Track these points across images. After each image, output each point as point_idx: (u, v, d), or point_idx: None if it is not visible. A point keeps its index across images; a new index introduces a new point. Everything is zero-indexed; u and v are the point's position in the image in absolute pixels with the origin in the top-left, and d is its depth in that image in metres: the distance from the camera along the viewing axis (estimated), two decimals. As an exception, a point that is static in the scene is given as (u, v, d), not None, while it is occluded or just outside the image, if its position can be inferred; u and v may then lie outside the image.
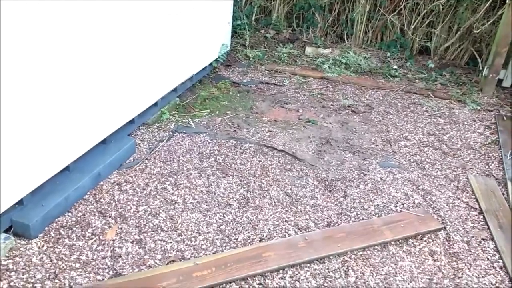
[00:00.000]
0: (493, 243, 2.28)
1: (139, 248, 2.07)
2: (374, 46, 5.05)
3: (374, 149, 3.20)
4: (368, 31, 5.07)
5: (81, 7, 2.13)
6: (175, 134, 3.12)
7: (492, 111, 3.90)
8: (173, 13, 3.17)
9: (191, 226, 2.24)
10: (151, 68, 3.01)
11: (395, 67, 4.66)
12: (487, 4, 4.18)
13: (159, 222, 2.25)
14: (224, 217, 2.34)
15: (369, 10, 4.93)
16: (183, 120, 3.34)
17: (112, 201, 2.37)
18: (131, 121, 2.91)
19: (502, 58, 4.05)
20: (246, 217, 2.36)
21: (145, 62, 2.91)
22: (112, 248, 2.06)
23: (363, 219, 2.42)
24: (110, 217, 2.25)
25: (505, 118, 3.73)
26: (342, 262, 2.09)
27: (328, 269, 2.04)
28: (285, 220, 2.36)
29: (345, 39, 5.19)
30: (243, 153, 2.98)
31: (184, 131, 3.17)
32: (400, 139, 3.36)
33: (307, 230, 2.30)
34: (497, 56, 4.03)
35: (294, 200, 2.54)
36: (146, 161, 2.76)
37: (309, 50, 4.99)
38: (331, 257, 2.11)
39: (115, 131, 2.68)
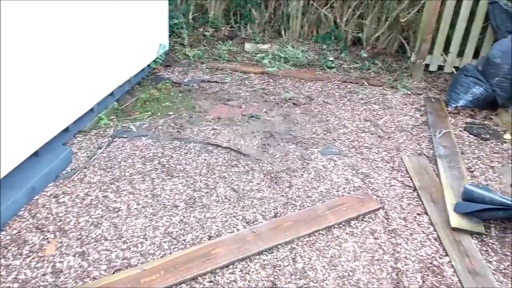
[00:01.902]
0: (427, 216, 2.45)
1: (82, 260, 1.99)
2: (310, 39, 5.19)
3: (316, 138, 3.31)
4: (304, 25, 5.20)
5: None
6: (114, 140, 3.03)
7: (421, 94, 4.17)
8: (106, 14, 3.06)
9: (137, 232, 2.19)
10: (84, 72, 2.90)
11: (331, 58, 4.83)
12: (410, -5, 4.45)
13: (102, 231, 2.18)
14: (171, 219, 2.32)
15: (304, 5, 5.06)
16: (123, 125, 3.25)
17: (49, 215, 2.26)
18: (66, 130, 2.79)
19: (427, 44, 4.34)
20: (193, 216, 2.35)
21: (78, 65, 2.80)
22: (52, 263, 1.97)
23: (308, 206, 2.50)
24: (48, 232, 2.15)
25: (433, 100, 4.01)
26: (290, 250, 2.15)
27: (276, 258, 2.09)
28: (233, 216, 2.38)
29: (283, 34, 5.29)
30: (188, 153, 2.96)
31: (125, 136, 3.09)
32: (339, 127, 3.50)
33: (255, 223, 2.33)
34: (423, 42, 4.31)
35: (241, 195, 2.57)
36: (85, 170, 2.66)
37: (248, 46, 5.04)
38: (279, 246, 2.16)
39: (48, 141, 2.55)
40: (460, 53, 4.45)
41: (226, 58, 4.75)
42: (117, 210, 2.34)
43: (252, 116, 3.57)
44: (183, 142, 3.08)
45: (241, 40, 5.22)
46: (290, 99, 3.98)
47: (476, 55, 4.39)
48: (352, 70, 4.67)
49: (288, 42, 5.12)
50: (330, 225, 2.31)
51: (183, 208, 2.41)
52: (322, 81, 4.41)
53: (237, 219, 2.36)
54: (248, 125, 3.43)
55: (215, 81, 4.22)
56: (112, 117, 3.33)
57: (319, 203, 2.52)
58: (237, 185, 2.66)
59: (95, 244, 2.09)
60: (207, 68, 4.51)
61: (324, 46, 5.04)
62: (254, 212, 2.42)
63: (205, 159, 2.91)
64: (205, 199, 2.50)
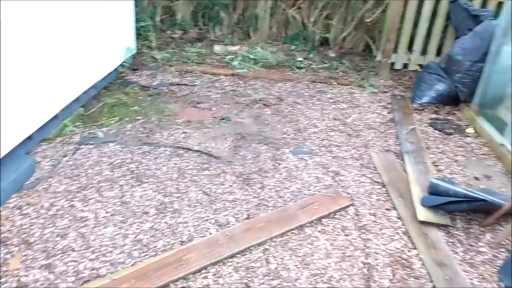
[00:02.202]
0: (396, 211, 2.51)
1: (49, 273, 1.92)
2: (279, 40, 5.22)
3: (287, 138, 3.33)
4: (273, 26, 5.23)
5: None
6: (81, 147, 2.95)
7: (387, 92, 4.28)
8: (68, 16, 2.97)
9: (105, 241, 2.14)
10: (47, 77, 2.80)
11: (300, 59, 4.88)
12: (375, -5, 4.55)
13: (68, 242, 2.11)
14: (141, 226, 2.27)
15: (272, 6, 5.09)
16: (90, 131, 3.16)
17: (13, 228, 2.17)
18: (29, 138, 2.69)
19: (392, 44, 4.45)
20: (165, 222, 2.32)
21: (40, 70, 2.70)
22: (17, 278, 1.89)
23: (280, 206, 2.51)
24: (12, 245, 2.06)
25: (399, 97, 4.11)
26: (263, 251, 2.15)
27: (249, 260, 2.09)
28: (205, 220, 2.36)
29: (252, 35, 5.30)
30: (158, 158, 2.91)
31: (91, 142, 3.01)
32: (309, 127, 3.54)
33: (228, 225, 2.32)
34: (388, 42, 4.42)
35: (213, 198, 2.55)
36: (50, 179, 2.57)
37: (217, 48, 5.02)
38: (252, 248, 2.15)
39: (10, 151, 2.45)
40: (424, 51, 4.59)
41: (195, 61, 4.71)
42: (84, 219, 2.28)
43: (223, 118, 3.56)
44: (152, 147, 3.04)
45: (210, 42, 5.19)
46: (260, 100, 3.99)
47: (439, 53, 4.54)
48: (320, 70, 4.73)
49: (258, 44, 5.13)
50: (302, 224, 2.33)
51: (154, 214, 2.37)
52: (291, 82, 4.44)
53: (209, 222, 2.34)
54: (219, 128, 3.41)
55: (184, 84, 4.18)
56: (78, 123, 3.24)
57: (291, 203, 2.54)
58: (209, 188, 2.64)
59: (62, 256, 2.02)
60: (176, 71, 4.46)
61: (293, 47, 5.09)
62: (226, 215, 2.40)
63: (175, 164, 2.87)
64: (176, 204, 2.47)
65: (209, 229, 2.29)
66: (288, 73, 4.65)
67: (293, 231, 2.29)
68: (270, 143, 3.24)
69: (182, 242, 2.18)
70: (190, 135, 3.25)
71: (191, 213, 2.41)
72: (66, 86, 3.09)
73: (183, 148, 3.05)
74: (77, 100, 3.30)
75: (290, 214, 2.40)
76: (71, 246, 2.08)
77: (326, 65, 4.82)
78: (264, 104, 3.91)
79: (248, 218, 2.40)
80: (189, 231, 2.27)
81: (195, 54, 4.82)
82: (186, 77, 4.36)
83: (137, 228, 2.25)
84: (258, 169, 2.89)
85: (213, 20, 5.31)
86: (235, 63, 4.68)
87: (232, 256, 2.09)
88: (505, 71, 3.31)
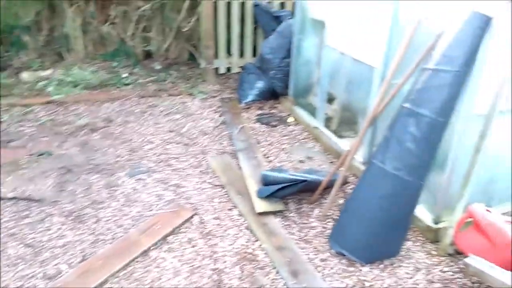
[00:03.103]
0: (237, 209, 2.60)
1: None
2: (98, 58, 4.91)
3: (121, 161, 3.13)
4: (88, 44, 4.88)
5: None
6: None
7: (216, 96, 4.43)
8: None
9: None
10: None
11: (125, 75, 4.68)
12: (186, 4, 4.64)
13: None
14: None
15: (82, 23, 4.74)
16: None
17: None
18: None
19: (211, 50, 4.63)
20: (-24, 294, 1.91)
21: None
22: None
23: (120, 236, 2.33)
24: None
25: (227, 100, 4.30)
26: (106, 291, 1.96)
27: (91, 306, 1.88)
28: (31, 277, 2.03)
29: (66, 56, 4.84)
30: (-41, 219, 2.39)
31: None
32: (144, 144, 3.41)
33: (60, 275, 2.04)
34: (207, 48, 4.58)
35: (38, 249, 2.22)
36: None
37: (26, 75, 4.43)
38: (92, 292, 1.95)
39: None
40: (242, 54, 4.91)
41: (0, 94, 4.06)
42: None
43: (42, 154, 3.14)
44: (-50, 207, 2.48)
45: (15, 70, 4.54)
46: (86, 125, 3.67)
47: (255, 53, 4.92)
48: (149, 84, 4.62)
49: (74, 64, 4.71)
50: (146, 249, 2.21)
51: (-40, 289, 1.93)
52: (119, 100, 4.22)
53: (36, 278, 2.02)
54: (38, 165, 3.00)
55: (-13, 123, 3.56)
56: None
57: (132, 229, 2.39)
58: (32, 238, 2.29)
59: None
60: (-26, 109, 3.77)
61: (115, 64, 4.84)
62: (57, 264, 2.11)
63: (-15, 220, 2.40)
64: (-9, 268, 2.06)
65: (37, 286, 1.98)
66: (114, 91, 4.41)
67: (137, 259, 2.16)
68: (102, 170, 3.00)
69: (2, 312, 1.83)
70: (2, 182, 2.77)
71: (12, 273, 2.04)
72: None
73: (-6, 199, 2.58)
74: None
75: (132, 241, 2.25)
76: None
77: (154, 78, 4.74)
78: (91, 129, 3.61)
79: (83, 260, 2.15)
80: (11, 296, 1.92)
81: (-3, 86, 4.16)
82: (-11, 114, 3.72)
83: None
84: (91, 202, 2.64)
85: (15, 45, 4.67)
86: (50, 89, 4.20)
87: (69, 308, 1.85)
88: (307, 63, 3.78)
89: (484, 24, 1.84)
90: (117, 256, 2.14)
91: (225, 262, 2.17)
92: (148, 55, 5.12)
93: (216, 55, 4.76)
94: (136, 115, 3.95)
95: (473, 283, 2.04)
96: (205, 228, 2.43)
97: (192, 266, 2.13)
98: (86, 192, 2.74)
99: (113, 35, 4.84)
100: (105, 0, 4.67)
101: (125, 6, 4.70)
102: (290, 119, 3.88)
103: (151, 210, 2.58)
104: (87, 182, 2.85)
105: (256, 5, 4.58)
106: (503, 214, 2.32)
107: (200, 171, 3.05)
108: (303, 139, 3.56)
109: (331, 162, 3.17)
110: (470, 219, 2.09)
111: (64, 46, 4.81)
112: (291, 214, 2.57)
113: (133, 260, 2.14)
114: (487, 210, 2.04)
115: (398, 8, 2.44)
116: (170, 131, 3.65)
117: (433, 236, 2.28)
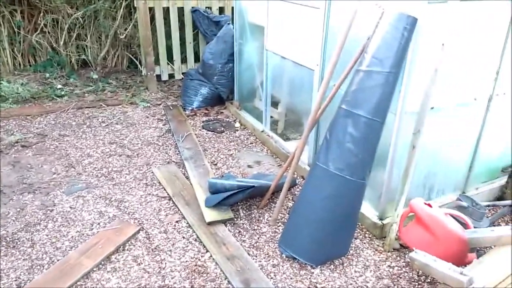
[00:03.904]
0: (185, 221, 2.51)
1: None
2: (29, 70, 4.59)
3: (57, 178, 2.93)
4: (17, 55, 4.54)
5: None
6: None
7: (160, 104, 4.30)
8: None
9: None
10: None
11: (59, 86, 4.40)
12: (122, 11, 4.47)
13: None
14: None
15: (9, 33, 4.41)
16: None
17: None
18: None
19: (151, 57, 4.48)
20: None
21: None
22: None
23: (59, 260, 2.16)
24: None
25: (171, 108, 4.19)
26: (44, 322, 1.80)
27: None
28: (-46, 314, 1.82)
29: (-8, 68, 4.48)
30: None
31: None
32: (82, 158, 3.21)
33: (-10, 309, 1.85)
34: (147, 55, 4.43)
35: (-37, 282, 2.00)
36: None
37: None
38: (27, 324, 1.78)
39: None
40: (184, 60, 4.81)
41: None
42: None
43: (-34, 176, 2.86)
44: None
45: None
46: (17, 142, 3.40)
47: (197, 59, 4.84)
48: (86, 94, 4.39)
49: (2, 78, 4.36)
50: (87, 271, 2.07)
51: None
52: (54, 113, 3.96)
53: (-40, 316, 1.81)
54: (-39, 189, 2.72)
55: None
56: None
57: (71, 251, 2.22)
58: (-44, 271, 2.06)
59: None
60: None
61: (47, 75, 4.55)
62: (-15, 297, 1.92)
63: None
64: None
65: (-39, 325, 1.78)
66: (48, 104, 4.14)
67: (79, 282, 2.01)
68: (37, 189, 2.79)
69: None
70: None
71: None
72: None
73: None
74: None
75: (72, 264, 2.09)
76: None
77: (91, 88, 4.51)
78: (23, 146, 3.35)
79: (17, 289, 1.97)
80: None
81: None
82: None
83: None
84: (25, 225, 2.43)
85: None
86: (-26, 105, 3.85)
87: None
88: (250, 67, 3.77)
89: (410, 25, 1.92)
90: (56, 281, 1.98)
91: (173, 277, 2.07)
92: (84, 64, 4.87)
93: (157, 62, 4.62)
94: (73, 128, 3.72)
95: (419, 276, 2.12)
96: (152, 244, 2.32)
97: (139, 284, 2.02)
98: (19, 214, 2.52)
99: (43, 45, 4.55)
100: (32, 8, 4.38)
101: (54, 14, 4.44)
102: (237, 124, 3.85)
103: (92, 229, 2.42)
104: (20, 203, 2.63)
105: (194, 11, 4.51)
106: (443, 205, 2.45)
107: (145, 183, 2.92)
108: (250, 143, 3.54)
109: (279, 165, 3.18)
110: (412, 214, 2.17)
111: (-11, 58, 4.45)
112: (241, 221, 2.52)
113: (74, 284, 1.99)
114: (427, 204, 2.13)
115: (330, 8, 2.48)
116: (111, 143, 3.48)
117: (379, 232, 2.35)
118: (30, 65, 4.62)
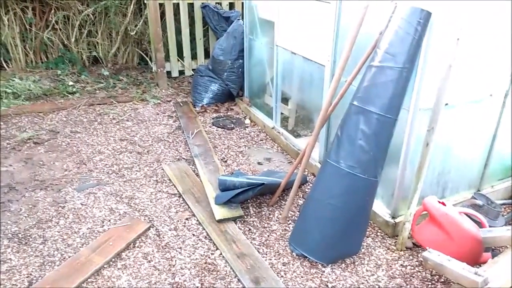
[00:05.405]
0: (195, 218, 2.51)
1: None
2: (41, 66, 4.63)
3: (68, 175, 2.95)
4: (29, 52, 4.59)
5: None
6: None
7: (170, 101, 4.31)
8: None
9: None
10: None
11: (71, 83, 4.43)
12: (132, 7, 4.47)
13: None
14: None
15: (20, 30, 4.44)
16: None
17: None
18: None
19: (162, 53, 4.48)
20: None
21: None
22: None
23: (70, 257, 2.18)
24: None
25: (181, 104, 4.19)
26: (55, 319, 1.81)
27: (38, 337, 1.73)
28: (-32, 310, 1.85)
29: (5, 65, 4.52)
30: None
31: None
32: (94, 155, 3.23)
33: (3, 305, 1.87)
34: (157, 52, 4.43)
35: (-23, 277, 2.02)
36: None
37: (-41, 88, 4.08)
38: (39, 321, 1.79)
39: None
40: (194, 56, 4.80)
41: None
42: None
43: (-20, 173, 2.90)
44: None
45: None
46: (29, 139, 3.43)
47: (208, 55, 4.82)
48: (97, 91, 4.41)
49: (14, 74, 4.41)
50: (98, 268, 2.08)
51: None
52: (66, 110, 3.99)
53: (-26, 312, 1.84)
54: (-25, 186, 2.76)
55: None
56: None
57: (82, 248, 2.23)
58: (-30, 266, 2.09)
59: None
60: None
61: (59, 72, 4.58)
62: (-2, 293, 1.94)
63: None
64: None
65: (-25, 320, 1.80)
66: (60, 101, 4.17)
67: (89, 280, 2.02)
68: (49, 186, 2.81)
69: None
70: None
71: None
72: None
73: None
74: None
75: (83, 261, 2.10)
76: None
77: (102, 84, 4.52)
78: (35, 143, 3.38)
79: (30, 285, 1.99)
80: None
81: None
82: None
83: None
84: (37, 221, 2.45)
85: None
86: (-13, 102, 3.90)
87: None
88: (260, 63, 3.74)
89: (423, 19, 1.87)
90: (67, 278, 1.99)
91: (183, 275, 2.07)
92: (95, 61, 4.89)
93: (167, 58, 4.61)
94: (84, 124, 3.74)
95: (432, 275, 2.08)
96: (162, 241, 2.32)
97: (149, 282, 2.02)
98: (31, 211, 2.55)
99: (55, 42, 4.58)
100: (43, 5, 4.40)
101: (65, 11, 4.46)
102: (247, 121, 3.83)
103: (103, 226, 2.43)
104: (32, 200, 2.66)
105: (204, 6, 4.49)
106: (457, 203, 2.40)
107: (155, 180, 2.92)
108: (260, 140, 3.52)
109: (290, 162, 3.15)
110: (425, 212, 2.13)
111: (2, 56, 4.49)
112: (251, 219, 2.51)
113: (84, 281, 2.00)
114: (441, 202, 2.09)
115: (341, 2, 2.44)
116: (122, 140, 3.49)
117: (392, 231, 2.31)
118: (42, 62, 4.66)
